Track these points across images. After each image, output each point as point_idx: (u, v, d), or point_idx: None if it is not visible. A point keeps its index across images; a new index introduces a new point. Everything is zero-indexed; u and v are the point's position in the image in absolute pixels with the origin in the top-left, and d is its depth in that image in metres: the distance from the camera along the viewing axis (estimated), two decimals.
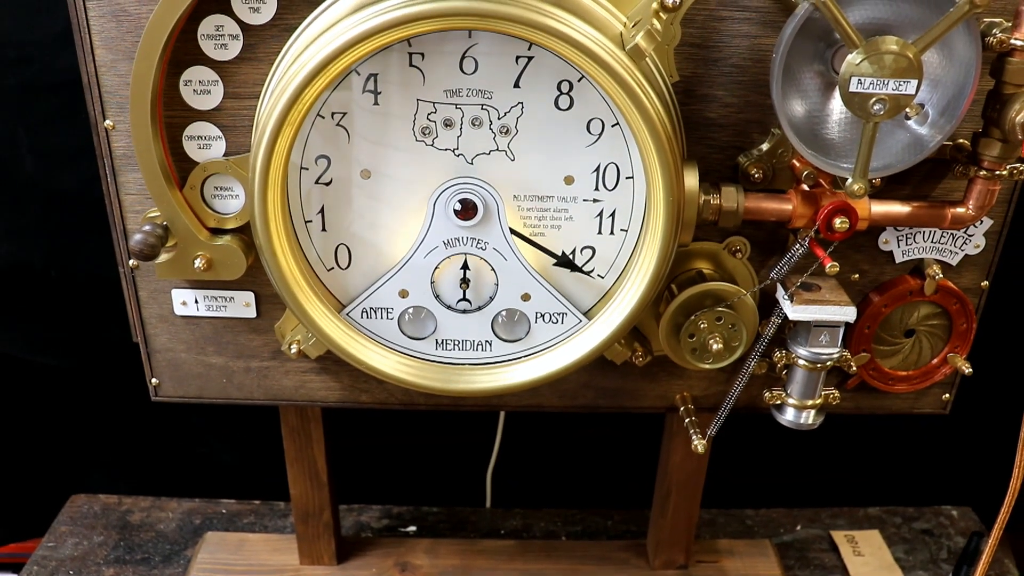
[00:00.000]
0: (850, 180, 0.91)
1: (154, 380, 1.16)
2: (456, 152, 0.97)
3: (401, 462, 1.76)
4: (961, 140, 1.01)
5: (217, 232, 1.04)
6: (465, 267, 1.02)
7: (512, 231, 1.00)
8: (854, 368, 1.12)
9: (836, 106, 0.93)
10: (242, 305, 1.10)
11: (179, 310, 1.10)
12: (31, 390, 1.66)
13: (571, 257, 1.03)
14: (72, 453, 1.73)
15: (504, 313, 1.05)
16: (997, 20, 0.93)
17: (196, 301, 1.10)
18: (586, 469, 1.78)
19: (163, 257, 1.03)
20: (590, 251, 1.03)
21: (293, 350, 1.08)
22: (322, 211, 1.01)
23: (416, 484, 1.73)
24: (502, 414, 1.47)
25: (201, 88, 0.98)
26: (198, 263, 1.03)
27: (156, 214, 1.02)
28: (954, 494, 1.71)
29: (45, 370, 1.64)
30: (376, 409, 1.20)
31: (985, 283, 1.12)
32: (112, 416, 1.69)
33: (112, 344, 1.54)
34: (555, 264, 1.02)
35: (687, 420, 1.15)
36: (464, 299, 1.04)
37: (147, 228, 0.99)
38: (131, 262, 1.07)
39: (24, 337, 1.60)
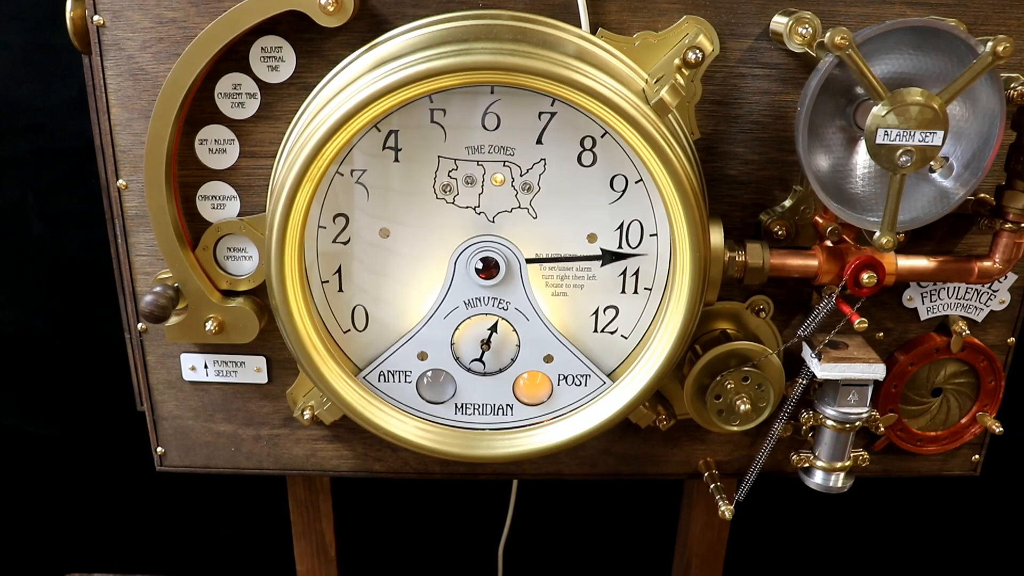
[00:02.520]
0: (878, 233, 0.90)
1: (159, 449, 1.12)
2: (477, 210, 0.96)
3: (409, 534, 1.71)
4: (983, 194, 1.01)
5: (229, 294, 1.02)
6: (493, 329, 1.00)
7: (528, 260, 0.98)
8: (882, 429, 1.10)
9: (860, 160, 0.92)
10: (253, 370, 1.07)
11: (188, 375, 1.07)
12: (27, 461, 1.62)
13: (595, 315, 1.00)
14: (68, 526, 1.67)
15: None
16: (1015, 75, 0.93)
17: (205, 366, 1.06)
18: (601, 541, 1.73)
19: (173, 320, 1.00)
20: (613, 311, 1.01)
21: (306, 416, 1.05)
22: (339, 271, 0.98)
23: (425, 557, 1.68)
24: (515, 484, 1.43)
25: (217, 147, 0.97)
26: (209, 326, 1.00)
27: (167, 275, 1.00)
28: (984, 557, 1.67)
29: (42, 440, 1.60)
30: (388, 479, 1.16)
31: (1012, 339, 1.10)
32: (110, 488, 1.64)
33: (111, 414, 1.51)
34: (602, 264, 0.98)
35: (712, 486, 1.12)
36: (478, 360, 1.01)
37: (158, 289, 0.97)
38: (140, 325, 1.04)
39: (22, 406, 1.57)
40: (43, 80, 1.33)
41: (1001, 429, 1.11)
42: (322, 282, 0.99)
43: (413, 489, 1.63)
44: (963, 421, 1.14)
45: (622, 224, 0.97)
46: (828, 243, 0.99)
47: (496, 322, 0.99)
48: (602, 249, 0.98)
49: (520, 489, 1.50)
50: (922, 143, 0.86)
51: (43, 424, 1.59)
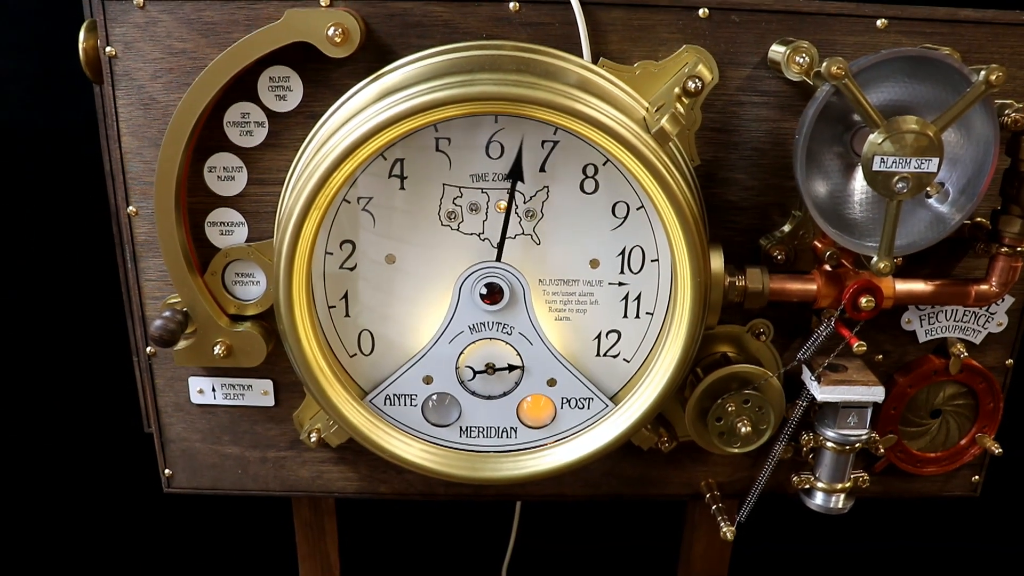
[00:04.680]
0: (875, 258, 0.91)
1: (167, 471, 1.13)
2: (482, 236, 0.97)
3: (413, 554, 1.72)
4: (979, 219, 1.02)
5: (237, 319, 1.03)
6: (509, 368, 1.02)
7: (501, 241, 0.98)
8: (882, 450, 1.10)
9: (857, 186, 0.94)
10: (260, 393, 1.08)
11: (196, 398, 1.08)
12: (33, 482, 1.63)
13: (598, 339, 1.01)
14: (75, 546, 1.68)
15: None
16: (1008, 102, 0.95)
17: (213, 389, 1.08)
18: (604, 562, 1.74)
19: (182, 344, 1.01)
20: (616, 335, 1.02)
21: (313, 439, 1.06)
22: (346, 296, 1.00)
23: None
24: (518, 505, 1.44)
25: (225, 174, 0.98)
26: (218, 350, 1.01)
27: (176, 300, 1.01)
28: None
29: (47, 462, 1.61)
30: (392, 500, 1.17)
31: (1010, 361, 1.11)
32: (116, 508, 1.65)
33: (118, 435, 1.52)
34: (509, 179, 0.96)
35: (714, 507, 1.13)
36: (473, 371, 1.02)
37: (167, 314, 0.98)
38: (149, 349, 1.06)
39: (28, 427, 1.58)
40: (53, 107, 1.35)
41: (1000, 450, 1.12)
42: (329, 307, 1.00)
43: (417, 510, 1.64)
44: (962, 442, 1.15)
45: (624, 250, 0.98)
46: (827, 267, 1.00)
47: (520, 369, 1.01)
48: (510, 175, 0.96)
49: (523, 510, 1.51)
50: (918, 170, 0.88)
51: (49, 445, 1.59)
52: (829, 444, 1.05)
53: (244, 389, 1.08)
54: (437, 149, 0.94)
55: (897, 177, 0.88)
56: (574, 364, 1.02)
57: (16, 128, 1.39)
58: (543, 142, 0.94)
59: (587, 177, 0.95)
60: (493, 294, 0.98)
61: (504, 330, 1.00)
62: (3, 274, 1.48)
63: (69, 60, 1.04)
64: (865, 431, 1.04)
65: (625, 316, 1.01)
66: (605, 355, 1.03)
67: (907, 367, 1.11)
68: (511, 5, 0.92)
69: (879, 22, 0.94)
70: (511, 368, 1.01)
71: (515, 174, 0.96)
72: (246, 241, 1.01)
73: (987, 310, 1.08)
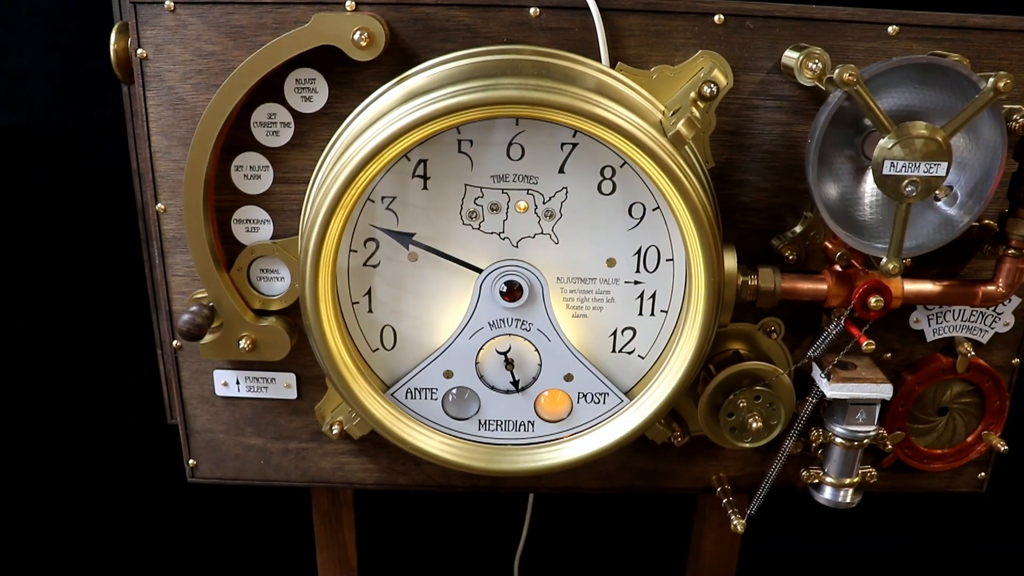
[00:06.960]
0: (885, 260, 0.94)
1: (191, 461, 1.16)
2: (502, 235, 1.00)
3: (428, 545, 1.74)
4: (987, 221, 1.04)
5: (261, 313, 1.06)
6: (516, 385, 1.05)
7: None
8: (889, 447, 1.13)
9: (868, 189, 0.96)
10: (283, 386, 1.11)
11: (220, 391, 1.11)
12: (54, 472, 1.65)
13: (613, 336, 1.04)
14: (97, 536, 1.71)
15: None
16: (1017, 107, 0.97)
17: (237, 382, 1.10)
18: (615, 553, 1.76)
19: (208, 338, 1.04)
20: (631, 332, 1.05)
21: (335, 431, 1.09)
22: (369, 293, 1.02)
23: (443, 568, 1.71)
24: (531, 498, 1.46)
25: (251, 173, 1.01)
26: (243, 343, 1.04)
27: (203, 295, 1.04)
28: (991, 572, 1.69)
29: (70, 451, 1.63)
30: (407, 492, 1.19)
31: (1016, 360, 1.13)
32: (133, 498, 1.68)
33: (140, 426, 1.54)
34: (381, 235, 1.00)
35: (724, 500, 1.15)
36: (507, 359, 1.05)
37: (194, 308, 1.01)
38: (175, 342, 1.08)
39: (50, 419, 1.60)
40: (80, 105, 1.38)
41: (1006, 447, 1.14)
42: (353, 303, 1.03)
43: (431, 502, 1.66)
44: (969, 439, 1.17)
45: (640, 249, 1.01)
46: (837, 268, 1.03)
47: (520, 391, 1.05)
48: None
49: (536, 502, 1.54)
50: (927, 174, 0.90)
51: (72, 435, 1.62)
52: (838, 440, 1.07)
53: (267, 382, 1.11)
54: (459, 150, 0.96)
55: (907, 181, 0.90)
56: (590, 360, 1.04)
57: (44, 126, 1.41)
58: (563, 144, 0.96)
59: (605, 179, 0.98)
60: (513, 291, 1.00)
61: (523, 326, 1.03)
62: (30, 270, 1.51)
63: (96, 59, 1.07)
64: (873, 427, 1.07)
65: (640, 314, 1.04)
66: (620, 351, 1.06)
67: (915, 365, 1.13)
68: (531, 10, 0.95)
69: (890, 28, 0.96)
70: (515, 382, 1.05)
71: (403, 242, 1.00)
72: (271, 238, 1.04)
73: (994, 310, 1.10)
